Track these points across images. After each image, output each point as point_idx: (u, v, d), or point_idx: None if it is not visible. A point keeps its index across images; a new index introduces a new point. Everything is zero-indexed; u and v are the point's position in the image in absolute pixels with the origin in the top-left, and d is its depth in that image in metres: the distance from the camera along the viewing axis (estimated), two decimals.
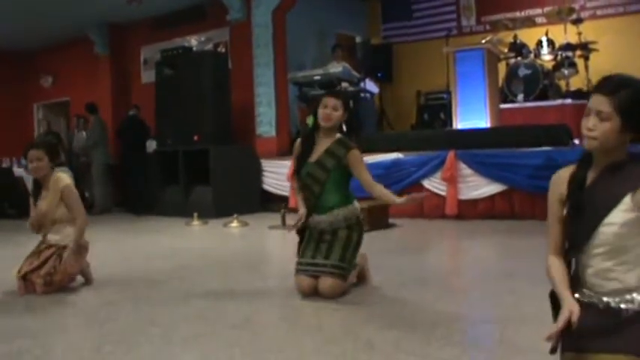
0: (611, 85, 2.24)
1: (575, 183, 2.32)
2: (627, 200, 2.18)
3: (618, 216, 2.19)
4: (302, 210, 4.57)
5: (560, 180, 2.39)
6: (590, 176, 2.32)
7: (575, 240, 2.30)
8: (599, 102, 2.22)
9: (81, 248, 5.01)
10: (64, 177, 5.03)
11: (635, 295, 2.19)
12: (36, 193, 5.06)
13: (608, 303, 2.22)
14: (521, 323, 3.50)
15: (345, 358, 3.07)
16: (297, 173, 4.66)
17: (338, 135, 4.58)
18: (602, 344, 2.17)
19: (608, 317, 2.21)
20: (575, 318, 2.17)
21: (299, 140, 4.74)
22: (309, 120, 4.63)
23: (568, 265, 2.37)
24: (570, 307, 2.20)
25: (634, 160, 2.26)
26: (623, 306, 2.19)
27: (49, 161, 4.97)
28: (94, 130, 12.39)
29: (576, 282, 2.33)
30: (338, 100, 4.51)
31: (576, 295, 2.30)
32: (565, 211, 2.35)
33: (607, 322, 2.20)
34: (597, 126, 2.21)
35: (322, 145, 4.55)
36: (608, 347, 2.15)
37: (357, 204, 4.59)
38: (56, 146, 5.24)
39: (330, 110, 4.49)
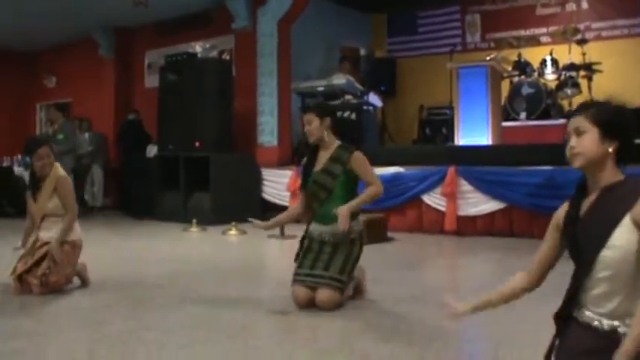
0: (582, 105, 2.40)
1: (568, 217, 2.35)
2: (627, 221, 2.17)
3: (619, 238, 2.18)
4: (272, 222, 4.79)
5: (561, 211, 2.43)
6: (587, 203, 2.32)
7: (580, 265, 2.30)
8: (574, 122, 2.33)
9: (74, 246, 5.01)
10: (61, 168, 5.08)
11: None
12: (34, 188, 5.06)
13: (607, 325, 2.22)
14: (517, 343, 3.49)
15: None
16: (303, 187, 4.68)
17: (338, 142, 4.61)
18: None
19: (607, 338, 2.20)
20: (447, 312, 2.60)
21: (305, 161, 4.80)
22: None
23: (574, 287, 2.36)
24: (456, 305, 2.61)
25: (627, 180, 2.28)
26: (621, 330, 2.18)
27: (53, 159, 5.03)
28: (71, 135, 12.03)
29: (577, 302, 2.33)
30: (310, 114, 4.60)
31: (574, 315, 2.31)
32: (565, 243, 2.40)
33: (605, 344, 2.20)
34: (577, 141, 2.30)
35: (325, 155, 4.57)
36: None
37: (360, 218, 4.60)
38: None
39: (307, 126, 4.57)
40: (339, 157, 4.52)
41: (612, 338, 2.19)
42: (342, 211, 4.29)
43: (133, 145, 12.59)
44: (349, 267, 4.43)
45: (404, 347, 3.41)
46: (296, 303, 4.39)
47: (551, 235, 2.47)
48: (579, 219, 2.31)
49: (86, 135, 13.01)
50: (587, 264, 2.25)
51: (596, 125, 2.26)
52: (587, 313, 2.28)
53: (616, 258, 2.19)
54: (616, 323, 2.21)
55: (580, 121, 2.30)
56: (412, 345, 3.45)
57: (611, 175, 2.28)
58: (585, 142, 2.27)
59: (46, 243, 4.92)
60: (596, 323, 2.24)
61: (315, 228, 4.56)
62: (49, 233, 4.96)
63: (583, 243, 2.27)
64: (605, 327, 2.22)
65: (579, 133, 2.29)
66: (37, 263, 4.84)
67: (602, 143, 2.26)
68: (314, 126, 4.55)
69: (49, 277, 4.81)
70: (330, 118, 4.63)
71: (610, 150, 2.26)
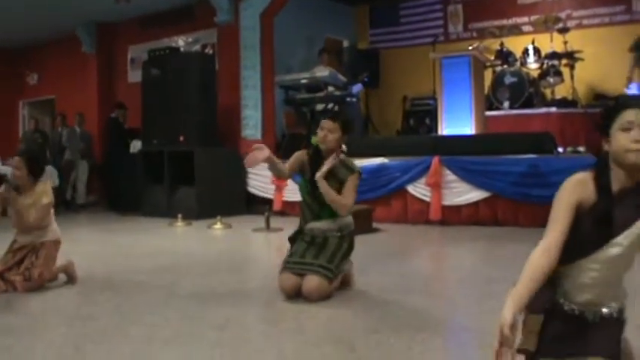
0: None
1: (605, 191, 2.19)
2: (639, 224, 2.17)
3: (627, 236, 2.17)
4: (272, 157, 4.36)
5: (583, 184, 2.22)
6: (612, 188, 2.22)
7: (578, 250, 2.24)
8: None
9: (55, 243, 5.02)
10: (49, 193, 4.97)
11: (604, 307, 2.23)
12: (17, 188, 5.03)
13: (578, 311, 2.25)
14: None
15: None
16: (305, 191, 4.65)
17: (342, 156, 4.59)
18: (576, 349, 2.21)
19: (579, 323, 2.24)
20: (506, 331, 2.07)
21: (304, 153, 4.72)
22: (313, 140, 4.64)
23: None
24: (501, 321, 2.11)
25: None
26: (590, 317, 2.23)
27: (27, 174, 4.91)
28: None
29: (561, 290, 2.33)
30: (334, 123, 4.52)
31: (559, 301, 2.31)
32: (588, 218, 2.21)
33: (578, 328, 2.23)
34: None
35: (327, 165, 4.50)
36: (582, 351, 2.19)
37: (351, 218, 4.65)
38: (38, 159, 5.10)
39: (326, 132, 4.50)
40: (338, 175, 4.51)
41: (584, 321, 2.23)
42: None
43: (114, 142, 12.55)
44: (338, 259, 4.45)
45: (390, 337, 3.43)
46: (283, 291, 4.40)
47: (567, 212, 2.20)
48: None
49: (77, 130, 12.95)
50: (586, 251, 2.22)
51: None
52: (562, 300, 2.30)
53: (613, 255, 2.19)
54: (588, 310, 2.24)
55: None
56: (399, 335, 3.47)
57: None
58: None
59: (26, 246, 4.94)
60: (568, 309, 2.27)
61: (307, 224, 4.61)
62: (28, 237, 4.96)
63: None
64: (577, 312, 2.26)
65: None
66: (18, 263, 4.85)
67: None
68: (334, 137, 4.50)
69: (32, 270, 4.80)
70: (346, 136, 4.64)
71: None
